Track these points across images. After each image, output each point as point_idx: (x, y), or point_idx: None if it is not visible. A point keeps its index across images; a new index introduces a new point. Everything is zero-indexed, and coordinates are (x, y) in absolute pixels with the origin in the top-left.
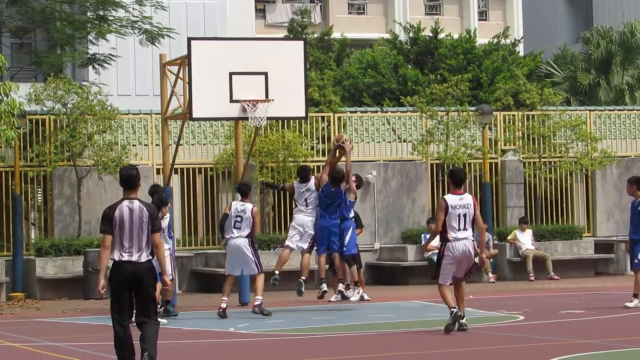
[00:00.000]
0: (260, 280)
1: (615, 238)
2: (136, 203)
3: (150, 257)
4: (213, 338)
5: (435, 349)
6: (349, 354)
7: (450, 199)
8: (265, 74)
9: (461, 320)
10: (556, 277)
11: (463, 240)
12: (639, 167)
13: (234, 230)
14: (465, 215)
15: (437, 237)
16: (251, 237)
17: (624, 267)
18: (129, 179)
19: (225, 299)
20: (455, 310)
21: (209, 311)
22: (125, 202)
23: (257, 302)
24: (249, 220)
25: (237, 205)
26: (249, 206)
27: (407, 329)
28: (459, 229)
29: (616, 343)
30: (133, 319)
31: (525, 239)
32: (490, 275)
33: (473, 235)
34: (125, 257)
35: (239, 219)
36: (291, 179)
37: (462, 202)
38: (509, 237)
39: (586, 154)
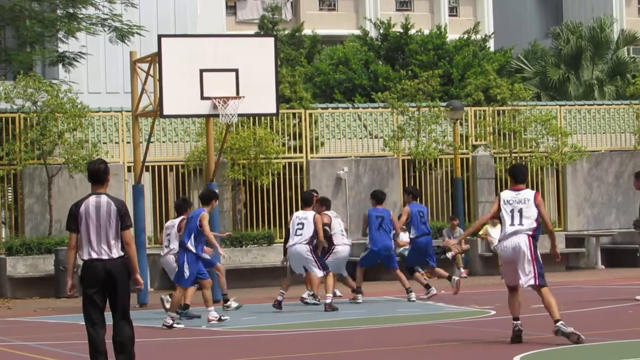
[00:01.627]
0: (329, 278)
1: (586, 232)
2: (103, 198)
3: (122, 253)
4: (184, 336)
5: (406, 345)
6: (318, 351)
7: (505, 193)
8: (236, 70)
9: (559, 324)
10: None
11: (511, 236)
12: (609, 161)
13: (294, 237)
14: (520, 211)
15: (407, 234)
16: (311, 243)
17: (595, 262)
18: (96, 173)
19: (284, 292)
20: (517, 323)
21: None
22: (92, 197)
23: (327, 300)
24: (310, 226)
25: (299, 214)
26: (310, 213)
27: (379, 325)
28: (511, 224)
29: (587, 337)
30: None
31: (497, 234)
32: (462, 270)
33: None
34: (95, 255)
35: (300, 226)
36: (262, 175)
37: (518, 197)
38: (480, 232)
39: (556, 148)
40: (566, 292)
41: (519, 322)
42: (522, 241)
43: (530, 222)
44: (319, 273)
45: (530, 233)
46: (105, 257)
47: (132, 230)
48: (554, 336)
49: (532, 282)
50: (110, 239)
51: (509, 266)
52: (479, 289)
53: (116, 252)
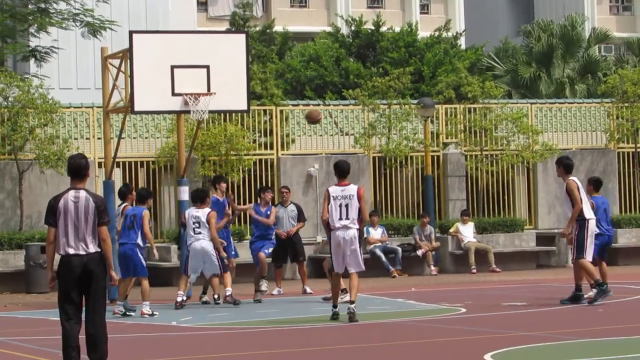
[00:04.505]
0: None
1: (556, 230)
2: (82, 193)
3: (99, 249)
4: (155, 331)
5: (377, 342)
6: (288, 348)
7: (333, 189)
8: (207, 67)
9: (350, 306)
10: (498, 269)
11: (342, 229)
12: (579, 160)
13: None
14: (347, 206)
15: (381, 230)
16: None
17: (565, 260)
18: (77, 168)
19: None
20: (335, 310)
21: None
22: (71, 192)
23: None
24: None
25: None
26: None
27: (349, 322)
28: (340, 218)
29: (557, 335)
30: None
31: (467, 232)
32: (432, 267)
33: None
34: (72, 251)
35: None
36: (233, 172)
37: (344, 193)
38: (451, 230)
39: (527, 146)
40: (537, 290)
41: (337, 309)
42: (352, 233)
43: (354, 216)
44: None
45: (357, 227)
46: (82, 252)
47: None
48: (524, 334)
49: (360, 268)
50: (88, 234)
51: (339, 253)
52: (450, 286)
53: (93, 248)
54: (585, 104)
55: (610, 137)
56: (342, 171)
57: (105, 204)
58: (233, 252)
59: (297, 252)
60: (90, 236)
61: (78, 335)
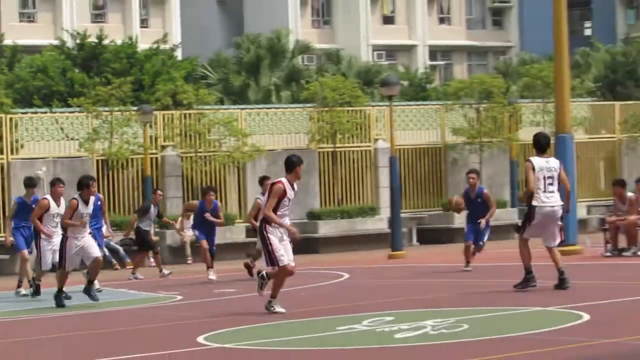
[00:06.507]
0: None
1: None
2: None
3: None
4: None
5: (90, 330)
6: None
7: (537, 161)
8: None
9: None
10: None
11: (549, 202)
12: (283, 159)
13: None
14: (551, 177)
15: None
16: None
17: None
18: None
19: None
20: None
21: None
22: None
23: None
24: None
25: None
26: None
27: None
28: (545, 191)
29: (265, 318)
30: None
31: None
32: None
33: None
34: None
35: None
36: None
37: (548, 165)
38: (177, 225)
39: (238, 148)
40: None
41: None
42: (559, 207)
43: (557, 192)
44: None
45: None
46: None
47: None
48: (226, 318)
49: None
50: None
51: (538, 227)
52: (170, 277)
53: None
54: (289, 109)
55: (312, 138)
56: (541, 145)
57: None
58: None
59: None
60: None
61: None
